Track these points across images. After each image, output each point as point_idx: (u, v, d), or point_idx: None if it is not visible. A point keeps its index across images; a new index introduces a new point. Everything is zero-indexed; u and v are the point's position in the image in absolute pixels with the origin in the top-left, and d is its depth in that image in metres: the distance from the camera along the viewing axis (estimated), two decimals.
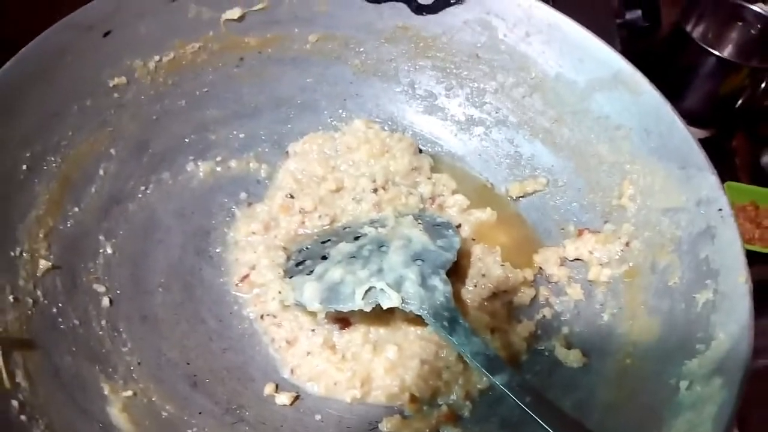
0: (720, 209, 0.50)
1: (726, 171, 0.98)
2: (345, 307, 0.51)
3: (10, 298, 0.48)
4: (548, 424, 0.43)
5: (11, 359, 0.45)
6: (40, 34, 0.54)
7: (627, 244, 0.57)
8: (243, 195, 0.63)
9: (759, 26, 0.98)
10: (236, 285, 0.58)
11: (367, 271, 0.52)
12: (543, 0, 0.63)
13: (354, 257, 0.54)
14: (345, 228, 0.59)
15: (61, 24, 0.55)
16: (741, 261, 0.47)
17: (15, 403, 0.43)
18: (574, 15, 0.62)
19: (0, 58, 0.52)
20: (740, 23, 1.00)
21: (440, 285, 0.52)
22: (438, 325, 0.50)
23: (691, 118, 0.94)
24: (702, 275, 0.49)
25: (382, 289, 0.51)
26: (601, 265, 0.57)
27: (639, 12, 0.99)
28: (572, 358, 0.54)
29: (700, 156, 0.53)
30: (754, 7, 0.97)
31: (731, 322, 0.45)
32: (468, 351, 0.49)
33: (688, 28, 1.00)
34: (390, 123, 0.69)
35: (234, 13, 0.63)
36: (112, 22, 0.57)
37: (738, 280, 0.46)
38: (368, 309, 0.51)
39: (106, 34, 0.57)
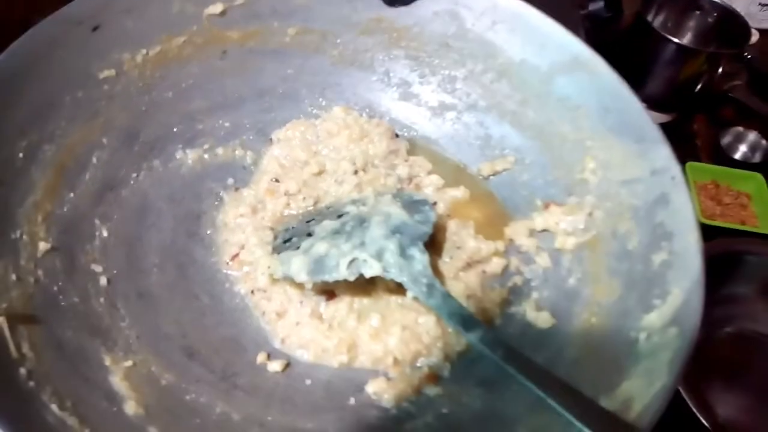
0: (673, 177, 0.55)
1: (688, 152, 1.03)
2: (331, 278, 0.55)
3: (13, 276, 0.50)
4: (519, 371, 0.47)
5: (17, 332, 0.47)
6: (30, 28, 0.56)
7: (590, 214, 0.61)
8: (230, 180, 0.67)
9: (715, 14, 1.04)
10: (227, 264, 0.61)
11: (350, 245, 0.56)
12: None
13: (338, 233, 0.57)
14: (328, 207, 0.63)
15: (51, 18, 0.57)
16: (692, 222, 0.52)
17: (23, 371, 0.45)
18: (539, 6, 0.66)
19: None
20: (698, 12, 1.06)
21: (418, 254, 0.56)
22: (417, 290, 0.54)
23: (653, 103, 1.00)
24: (658, 238, 0.54)
25: (364, 260, 0.55)
26: (566, 234, 0.62)
27: (601, 3, 1.04)
28: (542, 320, 0.58)
29: (654, 130, 0.58)
30: None
31: (685, 278, 0.50)
32: (445, 312, 0.53)
33: (649, 17, 1.05)
34: (368, 110, 0.73)
35: (216, 8, 0.66)
36: (101, 17, 0.60)
37: (690, 240, 0.51)
38: (352, 278, 0.54)
39: (95, 28, 0.60)
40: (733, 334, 0.82)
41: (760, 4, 1.23)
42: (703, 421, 0.64)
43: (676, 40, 0.97)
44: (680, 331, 0.47)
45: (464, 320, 0.52)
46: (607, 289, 0.56)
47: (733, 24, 1.01)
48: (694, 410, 0.65)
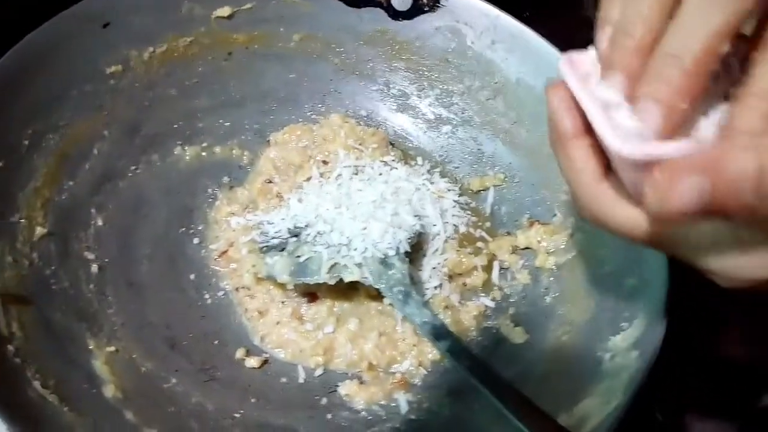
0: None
1: None
2: (311, 280, 0.57)
3: (9, 258, 0.53)
4: (482, 383, 0.49)
5: (8, 311, 0.50)
6: (43, 23, 0.59)
7: (571, 235, 0.62)
8: (225, 179, 0.68)
9: None
10: (215, 259, 0.63)
11: (333, 249, 0.58)
12: (516, 14, 0.68)
13: (322, 236, 0.59)
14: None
15: (63, 15, 0.60)
16: None
17: (11, 348, 0.48)
18: (547, 28, 0.67)
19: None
20: None
21: (398, 263, 0.57)
22: (393, 297, 0.56)
23: None
24: (631, 263, 0.55)
25: (345, 265, 0.57)
26: (547, 253, 0.63)
27: None
28: (516, 335, 0.59)
29: None
30: None
31: (651, 303, 0.51)
32: (417, 320, 0.54)
33: None
34: (365, 118, 0.75)
35: (224, 11, 0.69)
36: (111, 15, 0.63)
37: (658, 266, 0.52)
38: (332, 282, 0.57)
39: (105, 25, 0.62)
40: (713, 360, 0.83)
41: None
42: None
43: None
44: (641, 354, 0.48)
45: (435, 329, 0.54)
46: (581, 309, 0.58)
47: None
48: None
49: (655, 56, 0.33)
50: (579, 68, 0.39)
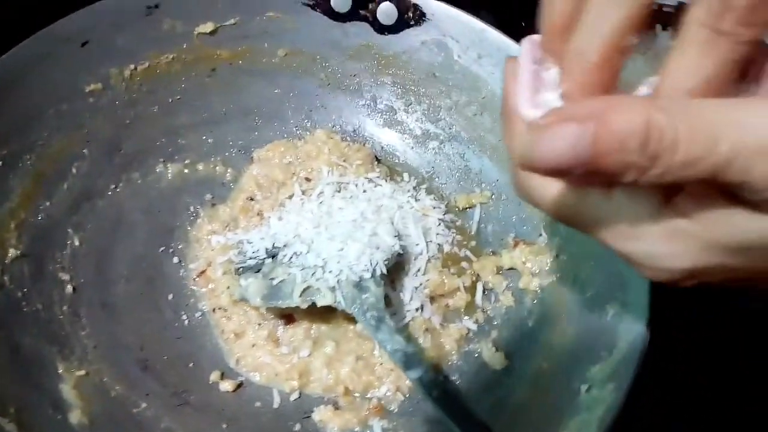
0: None
1: None
2: (284, 304, 0.56)
3: None
4: (449, 416, 0.47)
5: None
6: (19, 43, 0.59)
7: (556, 256, 0.60)
8: (208, 196, 0.68)
9: None
10: (194, 279, 0.62)
11: (307, 272, 0.57)
12: (514, 24, 0.66)
13: (298, 258, 0.58)
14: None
15: (39, 34, 0.59)
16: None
17: None
18: None
19: None
20: None
21: (373, 287, 0.56)
22: (366, 323, 0.54)
23: None
24: (614, 288, 0.53)
25: (318, 288, 0.55)
26: (532, 274, 0.61)
27: None
28: (496, 360, 0.58)
29: None
30: None
31: (631, 332, 0.49)
32: (389, 347, 0.53)
33: None
34: (352, 134, 0.73)
35: (207, 27, 0.68)
36: (90, 33, 0.62)
37: (641, 293, 0.50)
38: (304, 306, 0.55)
39: (84, 44, 0.62)
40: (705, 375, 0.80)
41: None
42: None
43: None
44: (617, 387, 0.47)
45: (407, 357, 0.52)
46: (563, 335, 0.56)
47: None
48: None
49: (566, 51, 0.32)
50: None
